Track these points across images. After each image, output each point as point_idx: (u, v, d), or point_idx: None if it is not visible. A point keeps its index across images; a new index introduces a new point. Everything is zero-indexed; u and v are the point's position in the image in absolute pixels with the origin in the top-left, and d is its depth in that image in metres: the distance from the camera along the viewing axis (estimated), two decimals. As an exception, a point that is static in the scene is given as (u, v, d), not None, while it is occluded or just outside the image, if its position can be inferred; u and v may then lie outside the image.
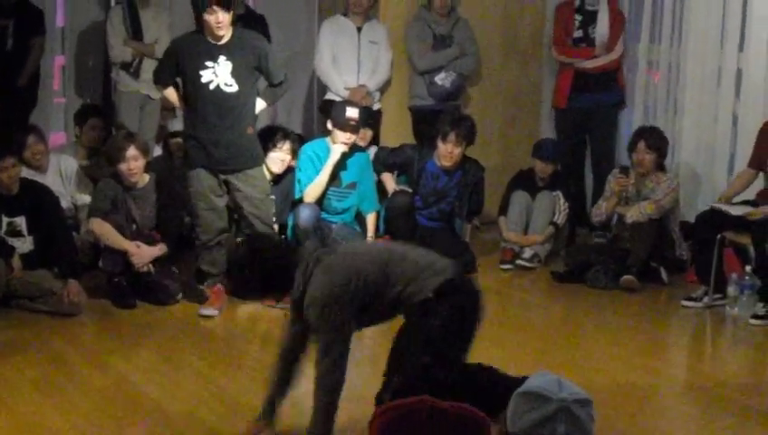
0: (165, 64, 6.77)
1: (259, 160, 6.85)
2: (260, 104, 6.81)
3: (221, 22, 6.42)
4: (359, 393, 4.95)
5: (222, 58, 6.51)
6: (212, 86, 6.52)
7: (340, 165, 7.59)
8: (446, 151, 7.83)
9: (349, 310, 4.41)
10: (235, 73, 6.53)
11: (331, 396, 4.46)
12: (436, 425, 1.51)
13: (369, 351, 6.04)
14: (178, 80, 6.77)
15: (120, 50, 8.75)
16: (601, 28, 8.70)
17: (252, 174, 6.74)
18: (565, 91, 8.80)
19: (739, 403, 5.44)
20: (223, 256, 6.79)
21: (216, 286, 6.77)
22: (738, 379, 5.98)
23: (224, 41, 6.51)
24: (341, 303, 4.37)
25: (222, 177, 6.67)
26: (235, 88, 6.54)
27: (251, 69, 6.62)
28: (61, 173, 7.60)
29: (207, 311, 6.68)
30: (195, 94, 6.57)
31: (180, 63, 6.58)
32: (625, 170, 7.79)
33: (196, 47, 6.55)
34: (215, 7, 6.38)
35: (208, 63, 6.50)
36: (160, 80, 6.80)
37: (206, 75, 6.51)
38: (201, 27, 6.53)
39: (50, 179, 7.41)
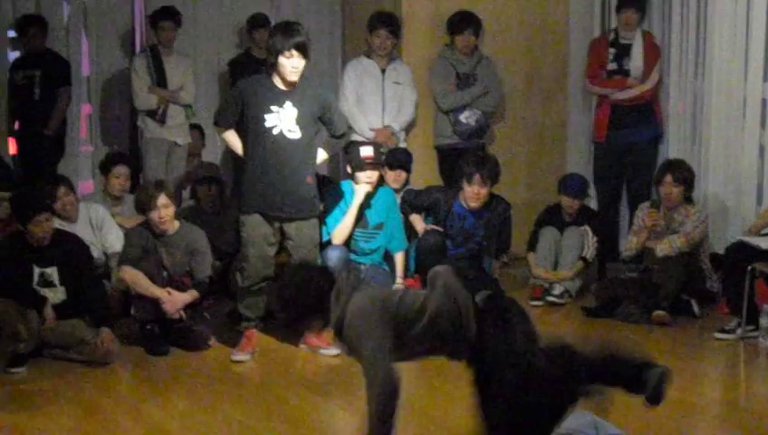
0: (228, 106, 6.70)
1: (316, 210, 6.82)
2: (321, 155, 6.81)
3: (296, 67, 6.43)
4: None
5: (288, 104, 6.50)
6: (275, 131, 6.50)
7: (365, 205, 7.61)
8: (473, 193, 7.83)
9: (386, 337, 4.38)
10: (299, 121, 6.52)
11: (380, 424, 4.44)
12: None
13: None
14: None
15: (144, 97, 8.83)
16: (636, 60, 8.70)
17: (307, 224, 6.72)
18: (604, 124, 8.77)
19: (775, 436, 5.41)
20: (262, 301, 6.81)
21: (249, 331, 6.77)
22: (773, 411, 5.95)
23: (290, 87, 6.52)
24: (378, 330, 4.36)
25: (277, 224, 6.66)
26: (298, 135, 6.53)
27: (315, 117, 6.62)
28: (90, 222, 7.64)
29: (240, 356, 6.68)
30: (256, 139, 6.53)
31: (245, 106, 6.55)
32: (655, 204, 7.78)
33: (262, 90, 6.53)
34: (293, 51, 6.38)
35: (274, 108, 6.49)
36: (222, 121, 6.72)
37: (270, 120, 6.49)
38: (270, 71, 6.54)
39: (80, 229, 7.45)
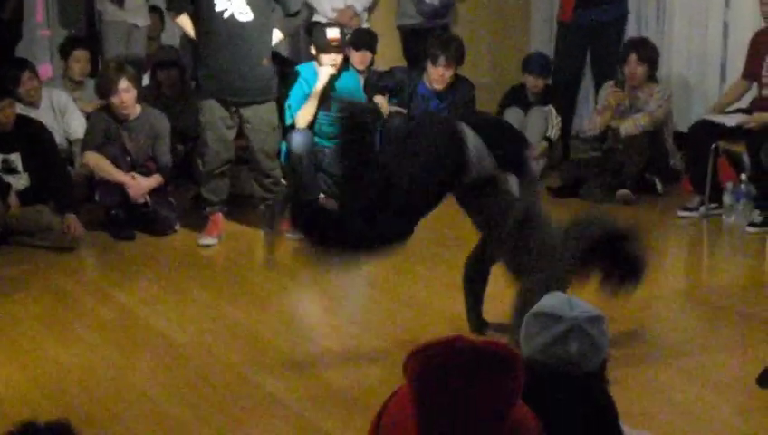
0: None
1: (273, 93, 6.76)
2: (276, 35, 6.72)
3: None
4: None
5: None
6: (226, 15, 6.41)
7: (329, 87, 7.55)
8: (437, 75, 7.79)
9: None
10: (250, 2, 6.43)
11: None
12: (471, 363, 1.53)
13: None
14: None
15: (103, -21, 8.67)
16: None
17: (264, 107, 6.67)
18: (571, 3, 8.59)
19: (738, 311, 5.49)
20: (225, 184, 6.79)
21: (215, 214, 6.76)
22: (736, 287, 6.02)
23: None
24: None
25: (233, 108, 6.61)
26: (250, 17, 6.45)
27: None
28: (53, 107, 7.54)
29: (206, 240, 6.69)
30: (209, 23, 6.46)
31: None
32: (620, 83, 7.77)
33: None
34: None
35: None
36: (174, 6, 6.68)
37: (220, 3, 6.40)
38: None
39: (42, 114, 7.36)
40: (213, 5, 6.40)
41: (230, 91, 6.53)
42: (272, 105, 6.77)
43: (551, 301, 2.77)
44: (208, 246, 6.66)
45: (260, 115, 6.65)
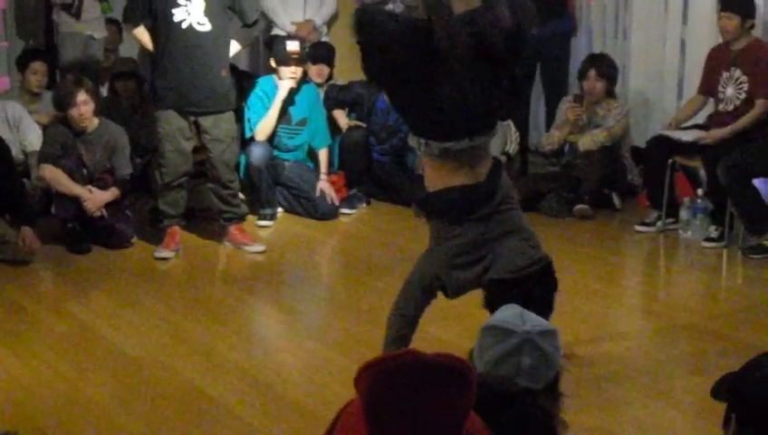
0: (136, 3, 6.55)
1: (231, 104, 6.72)
2: (234, 46, 6.68)
3: None
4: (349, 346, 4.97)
5: None
6: (184, 25, 6.39)
7: (289, 100, 7.55)
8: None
9: None
10: (208, 12, 6.40)
11: None
12: (423, 376, 1.51)
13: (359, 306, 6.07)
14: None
15: (60, -9, 8.62)
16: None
17: (223, 118, 6.63)
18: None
19: (694, 326, 5.51)
20: (183, 198, 6.74)
21: (172, 227, 6.72)
22: (692, 301, 6.07)
23: None
24: None
25: (192, 119, 6.58)
26: (208, 27, 6.42)
27: (224, 7, 6.50)
28: (8, 120, 7.48)
29: (163, 253, 6.64)
30: (167, 34, 6.42)
31: (152, 1, 6.42)
32: (578, 98, 7.81)
33: None
34: None
35: (181, 1, 6.36)
36: (131, 18, 6.62)
37: (178, 14, 6.37)
38: None
39: (-1, 127, 7.32)
40: (171, 16, 6.37)
41: (188, 102, 6.50)
42: (230, 116, 6.74)
43: (504, 314, 2.76)
44: (165, 259, 6.62)
45: (219, 125, 6.61)
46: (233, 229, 6.81)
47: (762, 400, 2.31)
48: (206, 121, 6.57)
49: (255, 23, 6.75)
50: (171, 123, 6.53)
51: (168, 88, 6.49)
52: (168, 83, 6.49)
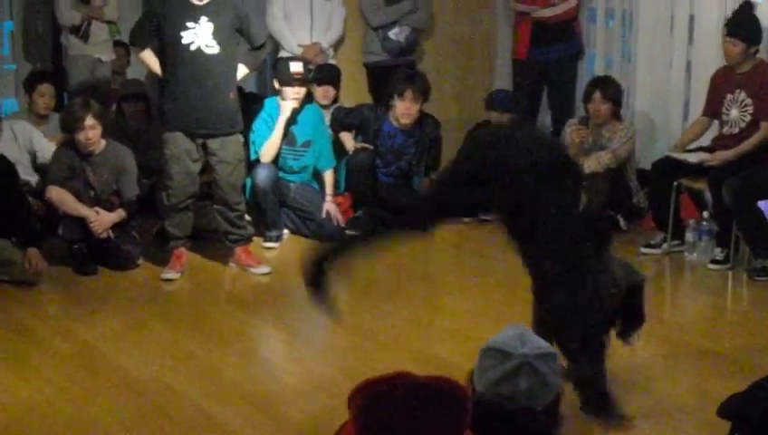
0: (144, 26, 6.58)
1: (238, 126, 6.73)
2: (242, 70, 6.69)
3: None
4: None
5: (203, 19, 6.40)
6: (193, 48, 6.40)
7: (292, 121, 7.57)
8: (404, 109, 7.82)
9: None
10: (216, 35, 6.43)
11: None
12: (415, 399, 1.52)
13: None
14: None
15: (68, 14, 8.68)
16: (560, -23, 8.69)
17: (230, 140, 6.65)
18: (526, 42, 8.77)
19: (699, 347, 5.51)
20: (189, 219, 6.76)
21: (178, 249, 6.74)
22: (698, 324, 6.07)
23: (205, 1, 6.41)
24: None
25: (200, 141, 6.60)
26: (216, 50, 6.44)
27: (232, 31, 6.52)
28: (16, 139, 7.50)
29: (169, 274, 6.66)
30: (175, 57, 6.44)
31: (160, 24, 6.45)
32: (584, 121, 7.83)
33: (176, 7, 6.43)
34: None
35: (189, 24, 6.38)
36: (137, 42, 6.62)
37: (186, 36, 6.39)
38: None
39: (5, 147, 7.32)
40: (179, 38, 6.40)
41: (196, 124, 6.52)
42: (237, 138, 6.76)
43: (504, 335, 2.76)
44: (170, 280, 6.63)
45: (226, 147, 6.63)
46: (239, 251, 6.82)
47: (765, 420, 2.32)
48: (213, 143, 6.59)
49: (263, 46, 6.78)
50: (179, 145, 6.55)
51: (177, 110, 6.50)
52: (176, 105, 6.50)
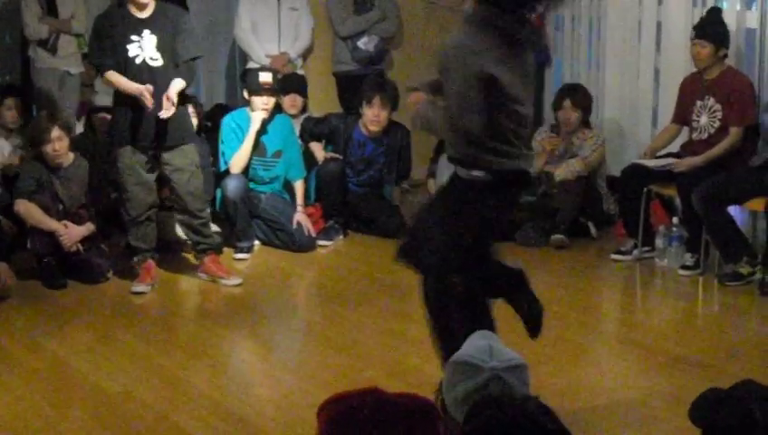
0: (101, 45, 6.49)
1: (189, 137, 6.70)
2: (178, 83, 6.46)
3: None
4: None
5: (146, 32, 6.39)
6: (138, 60, 6.39)
7: (262, 131, 7.56)
8: (373, 115, 7.83)
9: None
10: (159, 47, 6.41)
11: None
12: (384, 415, 1.50)
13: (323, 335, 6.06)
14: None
15: (35, 27, 8.63)
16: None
17: (183, 149, 6.61)
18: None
19: (671, 353, 5.52)
20: (153, 230, 6.71)
21: (146, 262, 6.70)
22: (669, 329, 6.09)
23: (146, 14, 6.40)
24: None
25: (150, 152, 6.56)
26: (160, 62, 6.42)
27: (172, 42, 6.51)
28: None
29: (139, 287, 6.61)
30: (123, 69, 6.40)
31: (112, 40, 6.42)
32: (554, 128, 7.85)
33: (121, 21, 6.41)
34: None
35: (134, 37, 6.37)
36: (104, 64, 6.48)
37: (132, 49, 6.39)
38: (122, 1, 6.43)
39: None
40: (126, 51, 6.39)
41: (144, 137, 6.48)
42: (190, 147, 6.69)
43: (472, 347, 2.75)
44: (141, 293, 6.59)
45: (179, 156, 6.59)
46: (207, 261, 6.78)
47: (733, 432, 2.33)
48: (165, 154, 6.56)
49: (194, 59, 6.68)
50: (131, 157, 6.50)
51: (125, 124, 6.47)
52: (124, 119, 6.47)
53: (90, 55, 6.68)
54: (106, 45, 6.46)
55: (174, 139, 6.55)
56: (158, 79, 6.41)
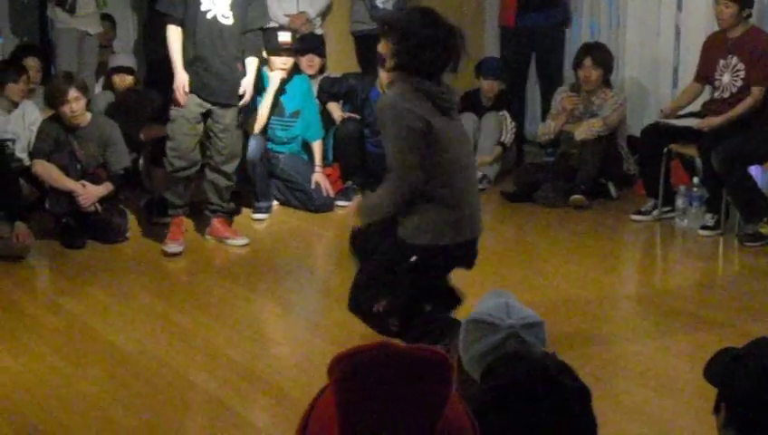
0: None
1: (237, 100, 6.66)
2: (253, 62, 6.64)
3: None
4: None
5: None
6: (209, 15, 6.42)
7: (281, 91, 7.53)
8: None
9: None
10: (233, 6, 6.45)
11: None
12: (399, 367, 1.49)
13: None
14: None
15: (54, -14, 8.61)
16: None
17: (232, 109, 6.64)
18: (513, 8, 8.69)
19: (690, 314, 5.50)
20: (189, 190, 6.70)
21: (178, 217, 6.66)
22: (688, 290, 6.05)
23: None
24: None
25: (207, 106, 6.54)
26: (230, 21, 6.45)
27: (247, 4, 6.54)
28: (24, 118, 7.48)
29: (172, 248, 6.56)
30: (193, 23, 6.44)
31: None
32: (574, 88, 7.79)
33: None
34: None
35: None
36: (171, 16, 6.47)
37: (205, 4, 6.41)
38: None
39: (13, 121, 7.40)
40: (198, 4, 6.41)
41: (206, 90, 6.51)
42: (236, 109, 6.72)
43: (488, 305, 2.74)
44: (175, 254, 6.54)
45: (230, 115, 6.63)
46: (215, 222, 6.77)
47: (750, 390, 2.31)
48: (218, 110, 6.58)
49: (260, 30, 6.72)
50: (190, 106, 6.50)
51: (192, 74, 6.47)
52: (191, 70, 6.48)
53: (159, 3, 6.62)
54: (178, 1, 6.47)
55: (231, 98, 6.58)
56: (226, 36, 6.47)
